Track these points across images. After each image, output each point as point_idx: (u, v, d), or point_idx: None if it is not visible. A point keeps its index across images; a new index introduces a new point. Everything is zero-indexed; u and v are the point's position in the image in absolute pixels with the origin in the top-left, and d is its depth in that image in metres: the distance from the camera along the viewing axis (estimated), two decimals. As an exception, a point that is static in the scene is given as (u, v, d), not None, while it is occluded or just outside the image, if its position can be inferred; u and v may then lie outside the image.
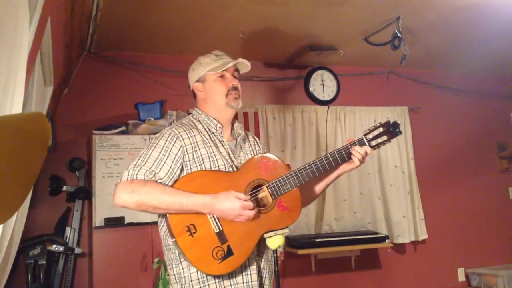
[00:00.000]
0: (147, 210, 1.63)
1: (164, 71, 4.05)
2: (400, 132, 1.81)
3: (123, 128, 3.67)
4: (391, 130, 1.81)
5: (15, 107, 1.46)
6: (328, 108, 4.54)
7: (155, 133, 3.64)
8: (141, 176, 1.62)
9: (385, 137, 1.81)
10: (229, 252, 1.62)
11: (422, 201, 4.69)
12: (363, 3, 3.30)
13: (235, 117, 1.95)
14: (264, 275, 1.75)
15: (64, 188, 3.50)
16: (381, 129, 1.81)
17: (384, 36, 3.76)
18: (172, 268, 1.71)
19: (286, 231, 1.69)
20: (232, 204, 1.59)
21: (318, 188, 1.96)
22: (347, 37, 3.94)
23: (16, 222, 2.14)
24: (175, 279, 1.70)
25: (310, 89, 4.53)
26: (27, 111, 2.09)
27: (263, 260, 1.76)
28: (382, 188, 4.57)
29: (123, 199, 1.59)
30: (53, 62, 2.53)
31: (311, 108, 4.50)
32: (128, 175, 1.63)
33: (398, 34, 3.61)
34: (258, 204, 1.72)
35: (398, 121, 1.83)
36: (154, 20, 3.38)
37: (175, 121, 3.77)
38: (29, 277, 3.17)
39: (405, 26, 3.63)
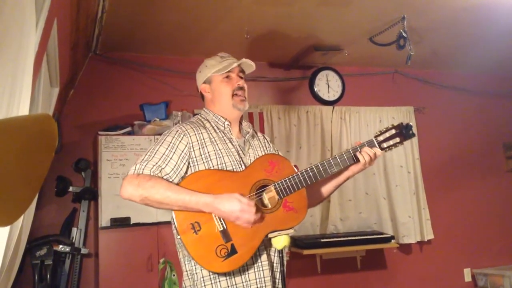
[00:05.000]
0: (151, 205, 1.64)
1: (169, 72, 4.06)
2: (414, 134, 1.80)
3: (128, 129, 3.68)
4: (403, 132, 1.79)
5: (22, 109, 1.47)
6: (333, 108, 4.54)
7: (160, 134, 3.63)
8: (147, 170, 1.64)
9: (397, 139, 1.80)
10: (233, 251, 1.62)
11: (428, 201, 4.67)
12: (368, 3, 3.29)
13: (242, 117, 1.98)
14: (276, 270, 1.75)
15: (70, 188, 3.51)
16: (393, 131, 1.80)
17: (389, 36, 3.75)
18: (185, 265, 1.73)
19: (291, 231, 1.68)
20: (232, 206, 1.59)
21: (326, 190, 1.95)
22: (352, 37, 3.93)
23: (23, 223, 2.16)
24: (188, 276, 1.72)
25: (315, 89, 4.53)
26: (34, 112, 2.10)
27: (275, 255, 1.75)
28: (388, 188, 4.55)
29: (129, 193, 1.62)
30: (59, 64, 2.54)
31: (316, 108, 4.50)
32: (135, 169, 1.66)
33: (404, 34, 3.60)
34: (263, 204, 1.71)
35: (411, 123, 1.81)
36: (159, 21, 3.39)
37: (180, 122, 3.79)
38: (36, 277, 3.19)
39: (410, 26, 3.62)
